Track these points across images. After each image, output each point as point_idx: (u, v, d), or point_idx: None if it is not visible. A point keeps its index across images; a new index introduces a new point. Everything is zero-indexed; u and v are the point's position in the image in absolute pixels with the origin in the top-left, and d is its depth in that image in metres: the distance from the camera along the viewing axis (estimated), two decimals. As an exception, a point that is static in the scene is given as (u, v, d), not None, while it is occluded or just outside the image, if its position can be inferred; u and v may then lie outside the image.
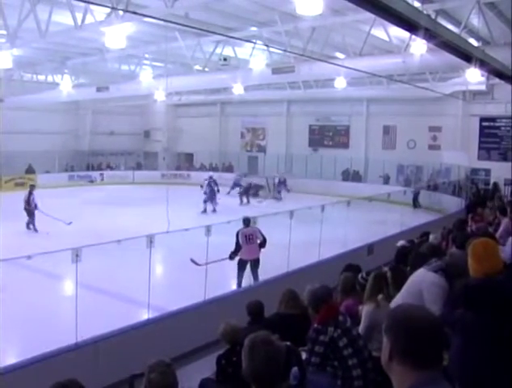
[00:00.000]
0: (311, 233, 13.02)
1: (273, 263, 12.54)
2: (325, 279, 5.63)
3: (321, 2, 11.16)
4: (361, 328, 5.12)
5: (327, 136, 33.74)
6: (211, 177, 24.04)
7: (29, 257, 7.72)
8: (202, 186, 23.75)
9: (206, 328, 8.05)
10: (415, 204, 25.21)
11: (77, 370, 5.71)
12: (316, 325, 4.40)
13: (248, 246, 11.13)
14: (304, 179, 31.07)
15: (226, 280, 12.28)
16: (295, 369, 3.53)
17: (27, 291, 10.89)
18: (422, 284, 4.78)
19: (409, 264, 5.87)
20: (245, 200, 26.62)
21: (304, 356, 4.38)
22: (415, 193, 25.50)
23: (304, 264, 11.46)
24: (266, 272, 11.12)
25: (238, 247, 11.08)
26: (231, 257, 11.12)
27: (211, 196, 23.24)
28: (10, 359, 7.75)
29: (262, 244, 11.35)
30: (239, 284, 11.30)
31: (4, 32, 15.44)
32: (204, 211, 22.95)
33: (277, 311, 6.11)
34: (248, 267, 11.32)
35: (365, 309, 5.36)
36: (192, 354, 7.85)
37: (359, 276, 6.39)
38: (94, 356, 7.20)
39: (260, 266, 11.42)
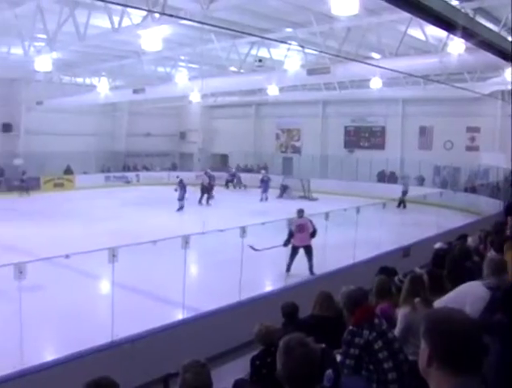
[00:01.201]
0: (346, 234, 12.94)
1: (307, 265, 12.50)
2: (359, 281, 5.58)
3: (357, 2, 11.10)
4: (396, 331, 5.05)
5: (362, 137, 33.49)
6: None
7: (67, 256, 7.84)
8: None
9: (240, 329, 8.06)
10: (400, 203, 24.49)
11: (113, 368, 5.77)
12: (351, 327, 4.35)
13: (299, 234, 12.33)
14: (340, 180, 30.88)
15: (261, 281, 12.30)
16: (329, 372, 3.50)
17: (64, 289, 11.08)
18: (468, 298, 4.57)
19: (446, 267, 5.77)
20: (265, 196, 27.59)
21: (338, 358, 4.35)
22: (403, 191, 25.60)
23: (339, 266, 11.39)
24: (301, 273, 11.09)
25: (291, 235, 12.25)
26: (285, 244, 12.25)
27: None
28: (48, 356, 7.90)
29: (313, 234, 12.45)
30: (288, 268, 12.32)
31: (44, 36, 15.74)
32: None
33: (311, 313, 6.08)
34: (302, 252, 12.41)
35: (401, 312, 5.28)
36: (226, 354, 7.86)
37: (396, 278, 6.30)
38: (130, 355, 7.28)
39: (294, 266, 11.44)
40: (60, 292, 10.91)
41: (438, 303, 4.83)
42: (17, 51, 17.62)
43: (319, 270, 11.33)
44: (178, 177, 25.07)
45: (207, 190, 25.39)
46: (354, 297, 4.52)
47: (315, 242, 12.42)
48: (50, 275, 10.39)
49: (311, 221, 12.51)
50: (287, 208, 17.11)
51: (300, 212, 12.89)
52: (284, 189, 29.30)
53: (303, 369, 2.55)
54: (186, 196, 23.66)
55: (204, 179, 26.09)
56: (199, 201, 24.71)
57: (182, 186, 23.36)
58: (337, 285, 5.01)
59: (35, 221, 19.84)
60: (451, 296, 4.85)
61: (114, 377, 3.16)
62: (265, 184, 28.14)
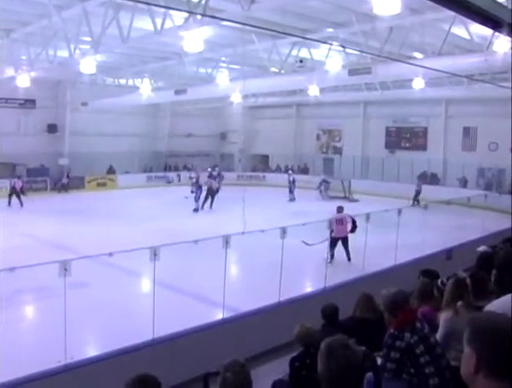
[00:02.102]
0: (387, 236, 12.81)
1: (348, 266, 12.45)
2: (400, 284, 5.51)
3: (399, 1, 10.97)
4: (438, 336, 4.96)
5: (404, 138, 33.07)
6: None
7: (110, 254, 7.98)
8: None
9: (280, 330, 8.07)
10: (414, 201, 25.01)
11: (154, 365, 5.86)
12: (392, 330, 4.30)
13: (338, 226, 13.70)
14: (381, 181, 30.58)
15: (301, 282, 12.29)
16: (369, 375, 3.48)
17: (107, 287, 11.29)
18: None
19: (494, 271, 5.63)
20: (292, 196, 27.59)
21: (379, 361, 4.31)
22: (417, 190, 25.63)
23: (380, 268, 11.28)
24: (341, 274, 11.03)
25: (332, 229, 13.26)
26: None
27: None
28: (91, 351, 8.07)
29: (353, 227, 13.78)
30: (332, 257, 13.60)
31: (89, 39, 16.05)
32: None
33: (352, 315, 6.05)
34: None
35: (443, 316, 5.18)
36: (265, 355, 7.88)
37: (439, 281, 6.19)
38: (170, 353, 7.37)
39: (335, 265, 11.41)
40: (104, 289, 11.13)
41: (490, 308, 4.70)
42: (63, 54, 18.01)
43: (359, 272, 11.25)
44: (191, 177, 25.22)
45: (213, 193, 23.63)
46: (395, 299, 4.46)
47: (356, 243, 12.40)
48: (94, 272, 10.60)
49: (349, 216, 14.01)
50: (328, 209, 17.05)
51: (340, 208, 14.60)
52: (323, 184, 29.20)
53: (344, 372, 2.54)
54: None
55: (213, 183, 24.11)
56: (202, 207, 23.18)
57: (198, 186, 23.58)
58: (378, 287, 4.96)
59: (79, 220, 20.26)
60: (504, 300, 4.72)
61: (155, 374, 3.20)
62: (292, 185, 28.00)
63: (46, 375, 6.40)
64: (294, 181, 28.17)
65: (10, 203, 24.56)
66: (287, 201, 26.96)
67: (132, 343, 7.26)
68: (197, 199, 23.19)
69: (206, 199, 23.20)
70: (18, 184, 25.25)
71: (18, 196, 24.73)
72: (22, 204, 24.42)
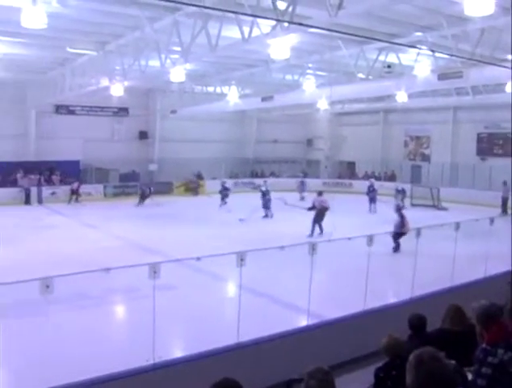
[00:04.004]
0: (477, 247, 12.35)
1: (435, 277, 12.08)
2: (491, 296, 5.28)
3: (492, 1, 10.57)
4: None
5: (496, 144, 31.74)
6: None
7: (198, 259, 8.16)
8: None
9: (364, 339, 7.97)
10: (504, 209, 24.52)
11: (238, 369, 5.92)
12: (484, 345, 4.13)
13: None
14: (471, 189, 29.48)
15: (387, 291, 12.07)
16: (459, 390, 3.36)
17: (194, 290, 11.55)
18: None
19: None
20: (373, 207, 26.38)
21: (469, 377, 4.15)
22: (504, 198, 24.95)
23: (469, 280, 10.88)
24: (429, 284, 10.71)
25: None
26: None
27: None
28: (177, 352, 8.27)
29: None
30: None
31: (179, 49, 16.51)
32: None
33: (440, 327, 5.86)
34: None
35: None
36: (349, 364, 7.78)
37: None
38: (254, 358, 7.43)
39: (418, 277, 11.12)
40: (191, 292, 11.40)
41: None
42: (154, 63, 18.62)
43: (448, 282, 10.89)
44: (257, 186, 25.37)
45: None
46: (489, 312, 4.28)
47: (444, 253, 12.00)
48: (181, 276, 10.85)
49: None
50: (416, 219, 16.67)
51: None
52: (400, 193, 28.28)
53: (434, 385, 2.45)
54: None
55: (325, 202, 19.84)
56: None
57: (262, 194, 23.64)
58: (467, 299, 4.80)
59: (168, 224, 20.87)
60: None
61: (238, 378, 3.23)
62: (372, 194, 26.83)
63: (134, 373, 6.62)
64: (374, 190, 26.98)
65: (70, 201, 27.95)
66: (368, 212, 25.63)
67: (218, 346, 7.38)
68: (264, 206, 23.33)
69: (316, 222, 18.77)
70: (75, 186, 28.32)
71: (77, 196, 28.07)
72: (77, 200, 28.03)
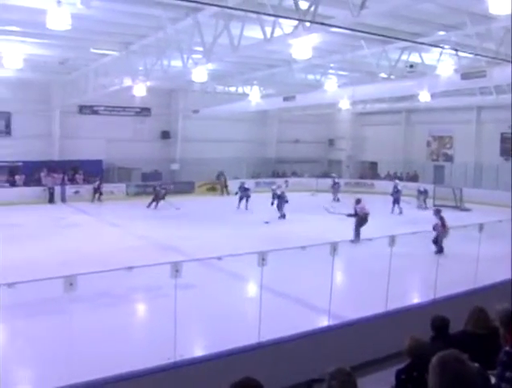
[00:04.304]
0: (501, 248, 12.20)
1: (458, 278, 11.96)
2: (516, 299, 5.23)
3: (518, -1, 10.44)
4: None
5: (521, 144, 31.31)
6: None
7: (219, 258, 8.19)
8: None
9: (385, 340, 7.93)
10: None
11: (258, 369, 5.94)
12: (508, 348, 4.09)
13: None
14: (495, 190, 29.12)
15: (409, 293, 11.98)
16: (482, 393, 3.32)
17: (215, 289, 11.59)
18: None
19: None
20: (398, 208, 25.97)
21: (492, 380, 4.11)
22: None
23: (493, 281, 10.75)
24: (451, 286, 10.61)
25: None
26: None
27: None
28: (198, 351, 8.31)
29: None
30: None
31: (201, 49, 16.57)
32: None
33: (464, 329, 5.81)
34: None
35: None
36: (370, 365, 7.74)
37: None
38: (275, 357, 7.43)
39: (441, 278, 11.04)
40: (212, 291, 11.43)
41: None
42: (176, 63, 18.70)
43: (471, 284, 10.78)
44: (277, 187, 24.92)
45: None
46: (512, 314, 4.24)
47: (468, 255, 11.88)
48: (202, 275, 10.90)
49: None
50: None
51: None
52: (422, 194, 28.15)
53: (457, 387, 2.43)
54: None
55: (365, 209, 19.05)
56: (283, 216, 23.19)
57: (277, 196, 23.48)
58: (491, 302, 4.75)
59: (189, 223, 20.97)
60: None
61: (258, 377, 3.24)
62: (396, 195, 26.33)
63: (156, 371, 6.67)
64: (399, 191, 26.49)
65: (93, 200, 28.45)
66: (390, 213, 25.24)
67: (238, 346, 7.40)
68: (278, 207, 23.19)
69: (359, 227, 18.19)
70: (97, 184, 28.76)
71: (99, 194, 28.54)
72: (99, 199, 28.38)
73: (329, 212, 18.58)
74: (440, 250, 14.81)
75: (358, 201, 18.43)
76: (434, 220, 15.71)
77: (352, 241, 16.49)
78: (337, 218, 19.23)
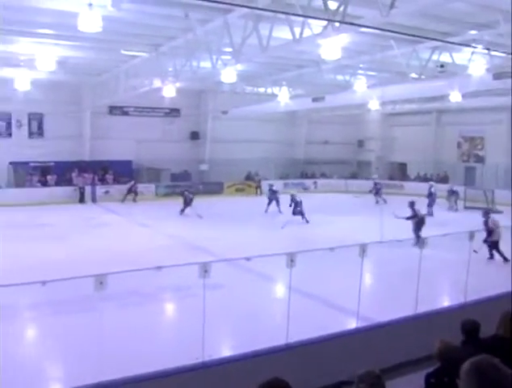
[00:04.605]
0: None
1: (490, 281, 11.79)
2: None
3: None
4: None
5: (556, 145, 30.68)
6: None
7: (248, 259, 8.21)
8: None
9: (414, 343, 7.84)
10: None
11: (286, 370, 5.90)
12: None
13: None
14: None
15: (439, 295, 11.85)
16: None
17: (243, 290, 11.63)
18: None
19: None
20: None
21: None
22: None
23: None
24: (482, 289, 10.46)
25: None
26: None
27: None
28: (226, 351, 8.34)
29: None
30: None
31: (230, 50, 16.63)
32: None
33: (495, 333, 5.71)
34: None
35: None
36: (398, 368, 7.67)
37: None
38: (303, 359, 7.41)
39: (472, 281, 10.90)
40: (240, 292, 11.48)
41: None
42: (205, 64, 18.79)
43: (503, 287, 10.61)
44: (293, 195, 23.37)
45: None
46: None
47: (499, 257, 11.73)
48: (230, 275, 10.93)
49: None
50: (470, 221, 16.32)
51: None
52: (454, 195, 27.64)
53: (494, 394, 2.35)
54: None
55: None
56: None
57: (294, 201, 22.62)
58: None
59: (217, 224, 21.06)
60: None
61: (286, 379, 3.24)
62: (431, 198, 25.67)
63: (184, 370, 6.71)
64: (433, 194, 25.86)
65: (124, 201, 28.56)
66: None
67: (266, 347, 7.41)
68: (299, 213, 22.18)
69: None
70: (130, 185, 29.16)
71: (134, 195, 28.82)
72: (134, 199, 28.61)
73: (396, 218, 18.11)
74: (503, 256, 14.39)
75: (412, 204, 18.14)
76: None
77: (416, 244, 16.22)
78: (365, 220, 19.12)
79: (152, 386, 6.49)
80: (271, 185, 26.66)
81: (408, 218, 17.67)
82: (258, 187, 33.58)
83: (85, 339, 7.84)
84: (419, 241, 16.34)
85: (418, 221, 17.53)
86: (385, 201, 27.83)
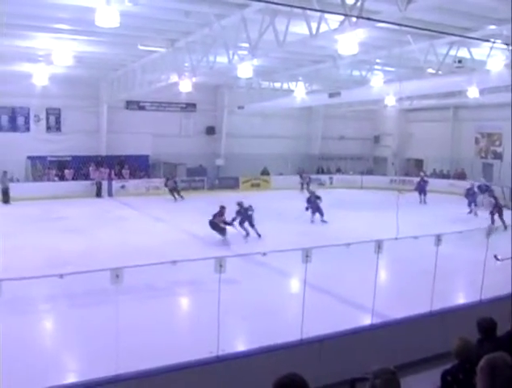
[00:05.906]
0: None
1: (506, 279, 11.68)
2: None
3: None
4: None
5: None
6: None
7: (264, 254, 8.23)
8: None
9: (429, 340, 7.83)
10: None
11: (301, 365, 5.89)
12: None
13: None
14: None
15: (454, 293, 11.78)
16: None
17: (258, 284, 11.65)
18: None
19: None
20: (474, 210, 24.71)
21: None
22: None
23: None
24: (498, 287, 10.38)
25: None
26: None
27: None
28: (240, 346, 8.37)
29: None
30: None
31: (246, 45, 16.61)
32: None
33: (511, 331, 5.68)
34: None
35: None
36: (413, 365, 7.65)
37: None
38: (318, 354, 7.42)
39: (488, 279, 10.83)
40: (255, 287, 11.49)
41: None
42: (222, 59, 18.79)
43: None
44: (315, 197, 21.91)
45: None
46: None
47: None
48: (245, 270, 10.97)
49: None
50: (487, 218, 16.20)
51: None
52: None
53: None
54: None
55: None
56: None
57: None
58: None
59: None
60: None
61: (302, 374, 3.25)
62: (472, 197, 25.04)
63: (198, 364, 6.76)
64: (474, 193, 25.21)
65: (175, 198, 27.80)
66: (468, 214, 23.81)
67: (281, 342, 7.42)
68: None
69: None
70: (172, 182, 28.70)
71: (177, 191, 28.24)
72: (180, 195, 27.98)
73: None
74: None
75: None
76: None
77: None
78: (383, 216, 19.03)
79: (166, 380, 6.54)
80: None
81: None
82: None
83: (101, 332, 7.92)
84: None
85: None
86: (425, 202, 27.53)
